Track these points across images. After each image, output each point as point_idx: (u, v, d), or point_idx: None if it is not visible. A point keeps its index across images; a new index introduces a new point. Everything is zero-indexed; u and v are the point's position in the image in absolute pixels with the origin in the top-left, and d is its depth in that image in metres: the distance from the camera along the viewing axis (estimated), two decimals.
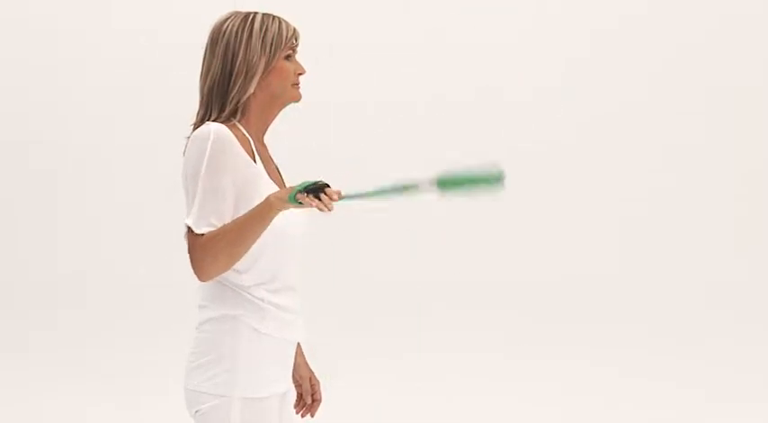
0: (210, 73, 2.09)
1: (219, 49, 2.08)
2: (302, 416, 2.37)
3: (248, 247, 1.98)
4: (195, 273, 1.99)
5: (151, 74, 5.52)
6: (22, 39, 5.59)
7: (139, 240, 5.52)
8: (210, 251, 1.95)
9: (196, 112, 2.11)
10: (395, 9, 5.56)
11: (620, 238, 5.54)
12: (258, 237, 1.97)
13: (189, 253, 1.98)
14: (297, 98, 2.15)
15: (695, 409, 4.71)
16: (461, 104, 5.57)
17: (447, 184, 1.88)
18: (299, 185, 1.90)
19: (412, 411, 4.68)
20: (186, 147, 2.05)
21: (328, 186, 1.89)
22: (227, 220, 1.99)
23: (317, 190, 1.88)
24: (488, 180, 1.89)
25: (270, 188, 2.06)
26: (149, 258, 5.49)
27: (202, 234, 1.97)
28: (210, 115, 2.07)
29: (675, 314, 5.39)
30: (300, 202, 1.90)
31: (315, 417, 2.40)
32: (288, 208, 1.94)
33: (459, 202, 5.42)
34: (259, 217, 1.95)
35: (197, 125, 2.08)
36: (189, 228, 1.98)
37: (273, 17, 2.11)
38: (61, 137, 5.58)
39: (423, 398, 4.80)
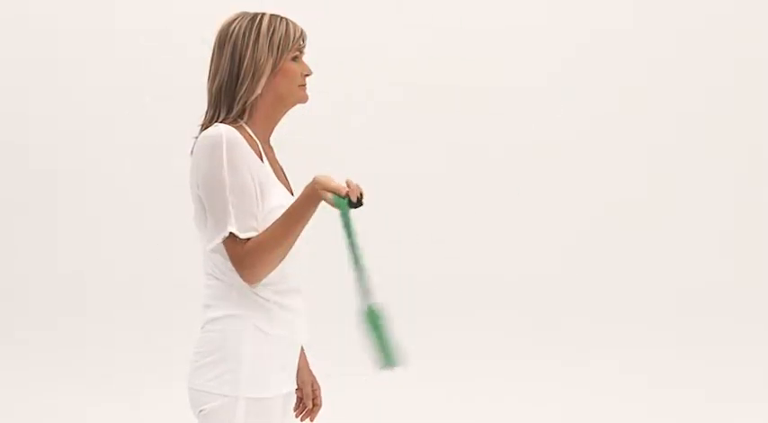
0: (218, 74, 2.09)
1: (227, 51, 2.08)
2: (302, 419, 2.38)
3: (294, 242, 1.99)
4: (246, 279, 1.99)
5: (152, 74, 5.51)
6: (22, 39, 5.58)
7: (139, 241, 5.50)
8: (261, 256, 1.96)
9: (204, 112, 2.12)
10: (394, 8, 5.56)
11: (621, 238, 5.53)
12: (303, 230, 1.98)
13: (235, 261, 1.98)
14: (303, 99, 2.16)
15: (695, 409, 4.71)
16: (462, 100, 5.56)
17: (371, 318, 1.95)
18: (344, 203, 1.91)
19: (411, 412, 4.69)
20: (195, 147, 2.05)
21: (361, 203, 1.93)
22: (260, 218, 2.00)
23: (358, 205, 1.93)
24: (387, 354, 1.95)
25: (278, 190, 2.06)
26: (149, 258, 5.48)
27: (246, 239, 1.97)
28: (219, 116, 2.08)
29: (676, 314, 5.39)
30: (347, 209, 1.92)
31: (314, 421, 2.41)
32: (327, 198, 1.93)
33: (460, 203, 5.47)
34: (303, 209, 1.95)
35: (205, 126, 2.09)
36: (230, 235, 1.97)
37: (281, 18, 2.12)
38: (61, 137, 5.56)
39: (422, 398, 4.80)
